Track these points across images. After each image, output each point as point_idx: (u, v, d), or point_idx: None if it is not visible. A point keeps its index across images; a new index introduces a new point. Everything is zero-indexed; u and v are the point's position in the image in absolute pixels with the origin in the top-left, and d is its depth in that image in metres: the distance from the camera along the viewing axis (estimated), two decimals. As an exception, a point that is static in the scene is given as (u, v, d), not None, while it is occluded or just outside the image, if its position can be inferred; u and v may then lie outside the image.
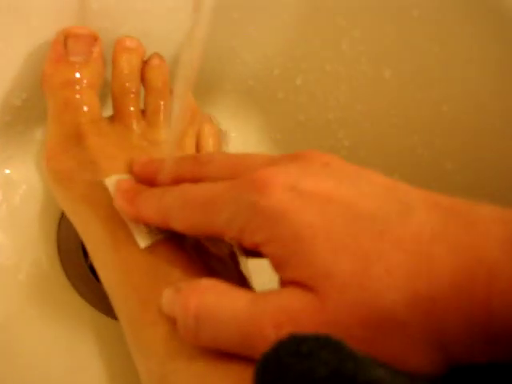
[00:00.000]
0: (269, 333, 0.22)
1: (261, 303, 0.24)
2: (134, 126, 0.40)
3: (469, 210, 0.23)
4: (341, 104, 0.46)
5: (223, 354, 0.25)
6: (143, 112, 0.41)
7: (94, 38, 0.39)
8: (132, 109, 0.40)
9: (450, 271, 0.21)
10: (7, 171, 0.45)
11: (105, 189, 0.34)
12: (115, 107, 0.41)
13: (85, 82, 0.39)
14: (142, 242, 0.32)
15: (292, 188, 0.24)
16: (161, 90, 0.41)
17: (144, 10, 0.42)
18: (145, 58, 0.42)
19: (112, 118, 0.41)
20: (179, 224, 0.28)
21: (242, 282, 0.31)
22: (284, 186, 0.24)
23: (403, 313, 0.21)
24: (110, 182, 0.34)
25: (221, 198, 0.26)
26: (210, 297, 0.25)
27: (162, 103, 0.41)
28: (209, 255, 0.33)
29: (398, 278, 0.21)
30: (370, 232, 0.22)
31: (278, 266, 0.24)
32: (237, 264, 0.31)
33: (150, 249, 0.32)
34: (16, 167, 0.45)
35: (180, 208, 0.28)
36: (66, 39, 0.39)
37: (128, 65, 0.40)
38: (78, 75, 0.39)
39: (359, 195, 0.24)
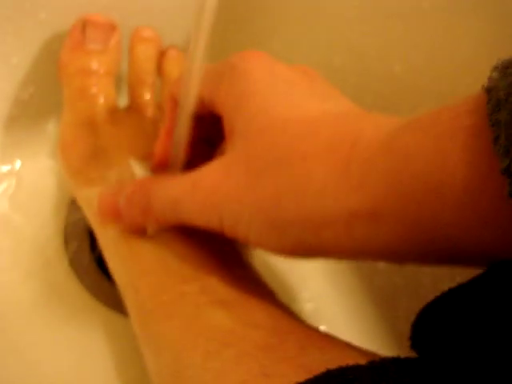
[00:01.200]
0: (188, 189, 0.27)
1: (190, 173, 0.28)
2: (149, 116, 0.40)
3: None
4: (349, 98, 0.46)
5: (241, 352, 0.25)
6: (159, 103, 0.41)
7: (112, 27, 0.39)
8: (147, 99, 0.40)
9: (326, 132, 0.24)
10: (15, 164, 0.45)
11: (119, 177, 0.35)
12: (131, 97, 0.40)
13: (101, 70, 0.38)
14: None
15: (269, 67, 0.28)
16: None
17: (154, 5, 0.42)
18: (161, 49, 0.42)
19: (127, 108, 0.40)
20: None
21: (252, 269, 0.33)
22: (265, 61, 0.28)
23: (278, 167, 0.24)
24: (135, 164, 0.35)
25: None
26: (160, 180, 0.30)
27: None
28: (220, 244, 0.32)
29: (288, 140, 0.25)
30: (289, 105, 0.26)
31: (227, 114, 0.27)
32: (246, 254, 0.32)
33: (162, 239, 0.32)
34: (24, 160, 0.45)
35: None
36: (84, 27, 0.38)
37: (144, 55, 0.40)
38: (94, 63, 0.38)
39: (309, 89, 0.28)
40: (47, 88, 0.40)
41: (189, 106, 0.29)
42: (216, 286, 0.29)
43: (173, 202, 0.28)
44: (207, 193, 0.26)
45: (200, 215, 0.27)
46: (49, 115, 0.43)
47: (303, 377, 0.22)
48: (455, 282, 0.43)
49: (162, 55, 0.41)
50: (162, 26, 0.43)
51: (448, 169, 0.20)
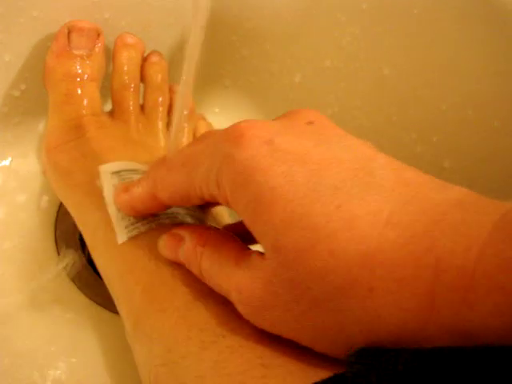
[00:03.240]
0: (234, 296, 0.25)
1: (234, 269, 0.25)
2: (133, 120, 0.40)
3: (433, 192, 0.22)
4: (339, 100, 0.47)
5: (238, 343, 0.25)
6: (142, 107, 0.42)
7: (97, 33, 0.40)
8: (131, 103, 0.41)
9: (396, 259, 0.20)
10: (5, 162, 0.45)
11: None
12: (114, 102, 0.41)
13: (86, 75, 0.39)
14: (121, 237, 0.32)
15: (268, 142, 0.23)
16: (159, 86, 0.42)
17: (144, 3, 0.42)
18: (144, 55, 0.42)
19: (111, 113, 0.41)
20: (164, 192, 0.28)
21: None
22: (260, 138, 0.23)
23: (338, 298, 0.21)
24: (103, 169, 0.34)
25: (201, 153, 0.26)
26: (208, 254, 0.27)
27: (160, 99, 0.42)
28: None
29: (340, 262, 0.21)
30: (326, 206, 0.21)
31: (247, 224, 0.24)
32: None
33: (151, 236, 0.32)
34: (15, 158, 0.45)
35: (165, 174, 0.28)
36: (69, 32, 0.39)
37: (128, 61, 0.41)
38: (80, 68, 0.39)
39: (330, 161, 0.23)
40: (39, 86, 0.40)
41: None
42: None
43: (220, 289, 0.26)
44: (256, 308, 0.24)
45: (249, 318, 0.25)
46: (40, 113, 0.43)
47: (301, 368, 0.22)
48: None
49: (144, 60, 0.42)
50: (155, 25, 0.44)
51: None
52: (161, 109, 0.42)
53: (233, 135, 0.24)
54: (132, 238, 0.32)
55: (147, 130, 0.40)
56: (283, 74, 0.48)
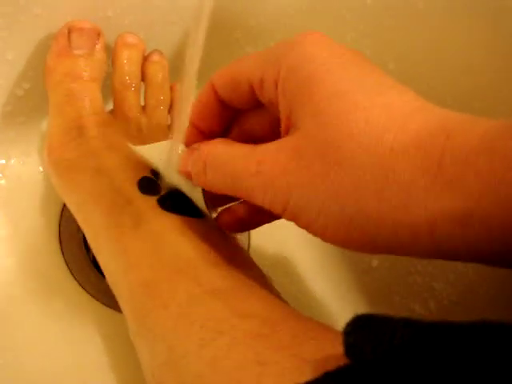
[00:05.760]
0: (252, 168, 0.26)
1: (252, 149, 0.27)
2: (134, 119, 0.40)
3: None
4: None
5: (235, 340, 0.25)
6: (143, 106, 0.42)
7: (97, 33, 0.40)
8: (132, 103, 0.41)
9: (416, 130, 0.23)
10: (9, 161, 0.45)
11: (107, 178, 0.35)
12: (116, 101, 0.41)
13: (87, 75, 0.39)
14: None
15: (333, 47, 0.26)
16: (160, 85, 0.42)
17: (147, 1, 0.42)
18: (145, 54, 0.42)
19: (113, 112, 0.41)
20: (220, 78, 0.29)
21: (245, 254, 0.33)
22: (327, 42, 0.26)
23: (362, 156, 0.23)
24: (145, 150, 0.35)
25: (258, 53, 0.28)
26: (218, 147, 0.28)
27: (161, 98, 0.42)
28: (213, 231, 0.33)
29: (372, 127, 0.23)
30: (369, 91, 0.24)
31: (289, 101, 0.26)
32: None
33: (153, 232, 0.32)
34: (18, 157, 0.45)
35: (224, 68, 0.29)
36: (69, 32, 0.39)
37: (129, 60, 0.41)
38: (80, 68, 0.39)
39: (376, 69, 0.26)
40: (43, 85, 0.40)
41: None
42: (210, 276, 0.29)
43: (233, 177, 0.27)
44: (275, 174, 0.25)
45: (263, 195, 0.26)
46: (43, 112, 0.43)
47: (296, 365, 0.22)
48: (448, 281, 0.43)
49: (145, 60, 0.42)
50: (157, 24, 0.44)
51: None
52: (162, 108, 0.42)
53: (300, 34, 0.26)
54: (136, 238, 0.32)
55: (149, 129, 0.40)
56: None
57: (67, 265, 0.42)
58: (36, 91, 0.42)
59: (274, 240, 0.46)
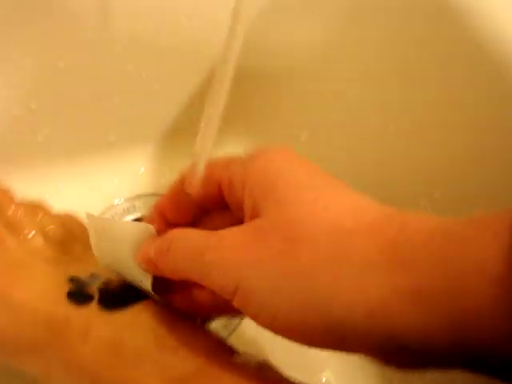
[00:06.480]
0: (213, 242, 0.27)
1: (216, 231, 0.27)
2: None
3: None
4: (350, 154, 0.48)
5: None
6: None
7: None
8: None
9: (375, 214, 0.25)
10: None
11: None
12: None
13: None
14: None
15: (295, 158, 0.28)
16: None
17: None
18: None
19: None
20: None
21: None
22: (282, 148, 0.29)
23: (322, 239, 0.24)
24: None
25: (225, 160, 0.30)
26: (185, 229, 0.29)
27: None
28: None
29: (332, 215, 0.25)
30: (328, 186, 0.27)
31: (250, 202, 0.27)
32: None
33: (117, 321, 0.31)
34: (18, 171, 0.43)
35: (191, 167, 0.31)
36: None
37: None
38: None
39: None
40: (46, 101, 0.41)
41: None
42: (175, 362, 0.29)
43: (194, 252, 0.27)
44: (234, 247, 0.26)
45: (218, 271, 0.26)
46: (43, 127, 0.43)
47: None
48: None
49: None
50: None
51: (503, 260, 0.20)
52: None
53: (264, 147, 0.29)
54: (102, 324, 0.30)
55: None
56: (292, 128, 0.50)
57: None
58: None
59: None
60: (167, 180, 0.41)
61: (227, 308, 0.28)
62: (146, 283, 0.30)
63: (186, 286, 0.31)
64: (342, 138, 0.48)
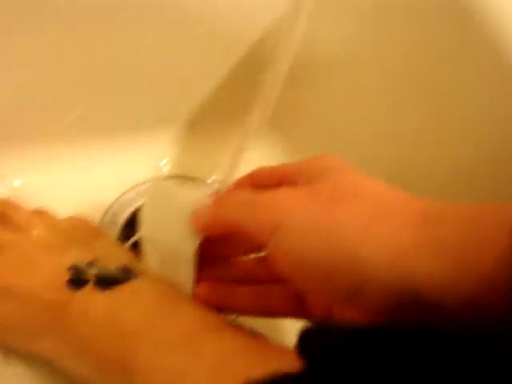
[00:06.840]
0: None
1: None
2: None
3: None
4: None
5: None
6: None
7: None
8: None
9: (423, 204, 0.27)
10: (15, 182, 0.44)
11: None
12: None
13: None
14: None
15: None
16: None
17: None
18: None
19: None
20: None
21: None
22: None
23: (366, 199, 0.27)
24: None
25: None
26: (238, 190, 0.32)
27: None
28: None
29: (376, 189, 0.28)
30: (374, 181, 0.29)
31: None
32: None
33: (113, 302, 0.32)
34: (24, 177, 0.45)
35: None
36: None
37: None
38: None
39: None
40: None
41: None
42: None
43: (248, 200, 0.29)
44: (284, 197, 0.28)
45: (266, 210, 0.28)
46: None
47: None
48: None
49: None
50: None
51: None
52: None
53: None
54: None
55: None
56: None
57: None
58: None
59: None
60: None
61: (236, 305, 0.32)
62: (191, 247, 0.32)
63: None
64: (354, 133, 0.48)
